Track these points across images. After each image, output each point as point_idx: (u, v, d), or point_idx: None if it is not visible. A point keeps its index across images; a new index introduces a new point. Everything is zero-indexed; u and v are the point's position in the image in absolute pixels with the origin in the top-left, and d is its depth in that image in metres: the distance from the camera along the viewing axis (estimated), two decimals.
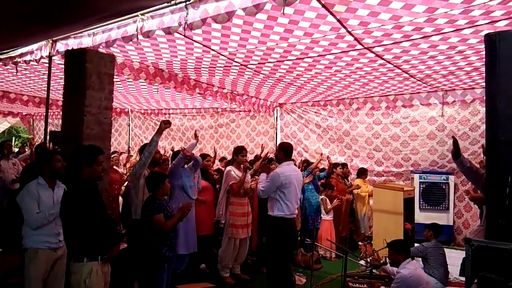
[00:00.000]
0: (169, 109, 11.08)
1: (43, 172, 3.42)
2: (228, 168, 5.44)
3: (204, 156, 5.84)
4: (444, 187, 7.33)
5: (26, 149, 7.35)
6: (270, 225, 4.30)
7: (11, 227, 5.72)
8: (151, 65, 5.92)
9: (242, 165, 5.26)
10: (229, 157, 8.86)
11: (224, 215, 5.34)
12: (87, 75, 3.97)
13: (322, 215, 6.61)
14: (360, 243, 7.03)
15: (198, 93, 7.05)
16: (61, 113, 4.96)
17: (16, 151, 8.40)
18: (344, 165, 7.63)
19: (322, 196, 6.69)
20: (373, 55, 4.78)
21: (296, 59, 5.05)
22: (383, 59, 4.95)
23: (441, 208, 7.35)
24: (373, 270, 4.76)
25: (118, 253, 3.03)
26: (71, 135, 4.05)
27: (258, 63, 5.43)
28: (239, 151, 5.37)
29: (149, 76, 6.06)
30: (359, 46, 4.46)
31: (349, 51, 4.65)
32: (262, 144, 7.88)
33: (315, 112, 8.86)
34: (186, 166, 5.10)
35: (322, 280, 5.36)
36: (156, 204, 3.39)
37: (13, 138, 21.66)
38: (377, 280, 4.40)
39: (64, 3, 3.22)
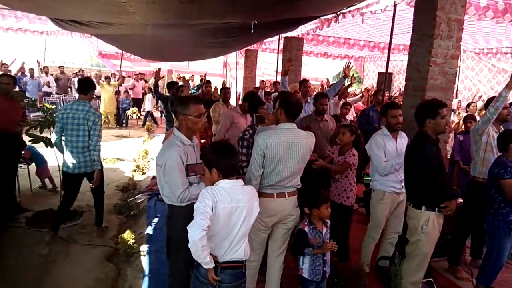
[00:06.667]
0: (509, 47, 9.35)
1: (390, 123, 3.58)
2: None
3: None
4: None
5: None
6: None
7: None
8: (501, 1, 5.14)
9: None
10: None
11: None
12: (437, 24, 3.84)
13: None
14: None
15: None
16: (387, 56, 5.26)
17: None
18: None
19: None
20: None
21: None
22: None
23: None
24: None
25: (455, 207, 3.02)
26: (416, 86, 4.14)
27: None
28: None
29: (497, 14, 5.33)
30: None
31: None
32: None
33: None
34: None
35: None
36: (509, 167, 3.06)
37: None
38: None
39: None
